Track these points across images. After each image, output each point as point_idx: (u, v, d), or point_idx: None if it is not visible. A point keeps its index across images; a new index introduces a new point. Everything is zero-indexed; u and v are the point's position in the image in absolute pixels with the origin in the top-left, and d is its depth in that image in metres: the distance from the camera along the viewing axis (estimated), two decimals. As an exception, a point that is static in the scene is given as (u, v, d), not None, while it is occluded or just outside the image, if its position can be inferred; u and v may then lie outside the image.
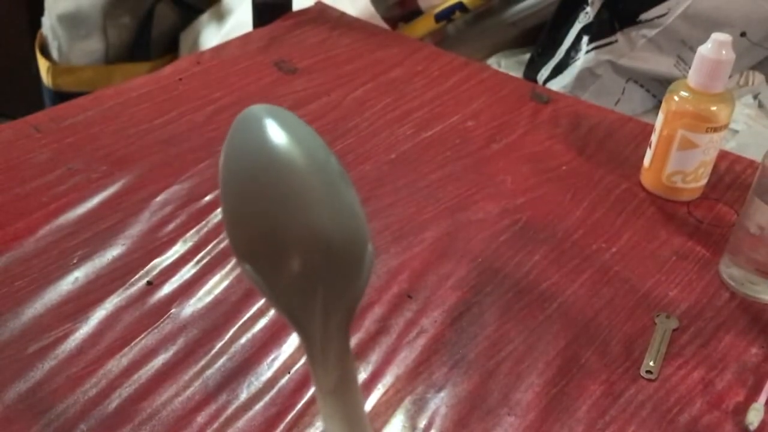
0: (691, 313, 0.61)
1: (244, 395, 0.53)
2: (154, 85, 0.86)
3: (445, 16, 1.16)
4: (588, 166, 0.78)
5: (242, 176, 0.24)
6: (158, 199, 0.69)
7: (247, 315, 0.59)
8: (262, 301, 0.60)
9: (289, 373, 0.54)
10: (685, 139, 0.69)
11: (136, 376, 0.53)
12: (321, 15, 1.04)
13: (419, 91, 0.88)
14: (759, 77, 1.06)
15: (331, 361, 0.22)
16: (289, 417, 0.51)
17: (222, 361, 0.55)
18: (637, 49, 1.03)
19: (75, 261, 0.62)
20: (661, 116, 0.71)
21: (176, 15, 1.44)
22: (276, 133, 0.23)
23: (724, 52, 0.66)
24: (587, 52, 1.04)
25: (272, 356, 0.56)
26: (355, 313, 0.24)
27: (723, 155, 0.79)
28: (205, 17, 1.40)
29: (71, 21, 1.39)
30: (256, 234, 0.23)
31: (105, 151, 0.75)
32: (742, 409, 0.54)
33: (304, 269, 0.22)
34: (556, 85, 1.07)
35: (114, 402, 0.51)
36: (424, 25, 1.17)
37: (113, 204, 0.68)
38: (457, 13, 1.15)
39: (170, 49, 1.46)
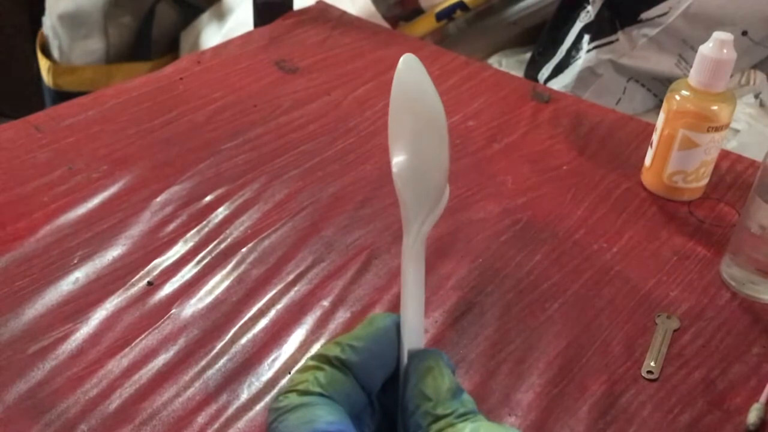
0: (692, 313, 0.61)
1: (244, 395, 0.53)
2: (154, 84, 0.86)
3: (446, 15, 1.16)
4: (589, 166, 0.78)
5: (403, 109, 0.37)
6: (159, 199, 0.69)
7: (248, 315, 0.59)
8: (263, 301, 0.60)
9: (289, 373, 0.54)
10: (686, 139, 0.69)
11: (136, 377, 0.53)
12: (322, 14, 1.04)
13: (420, 91, 0.87)
14: (760, 76, 1.06)
15: (416, 245, 0.36)
16: (290, 417, 0.51)
17: (222, 362, 0.55)
18: (638, 48, 1.03)
19: (75, 261, 0.62)
20: (662, 116, 0.71)
21: (177, 14, 1.44)
22: (424, 95, 0.37)
23: (725, 51, 0.66)
24: (588, 51, 1.04)
25: (273, 356, 0.56)
26: (431, 226, 0.37)
27: (724, 155, 0.79)
28: (205, 17, 1.40)
29: (72, 21, 1.39)
30: (404, 153, 0.36)
31: (105, 150, 0.75)
32: (743, 409, 0.54)
33: (424, 189, 0.37)
34: (557, 84, 1.07)
35: (114, 402, 0.51)
36: (425, 24, 1.17)
37: (114, 204, 0.68)
38: (458, 12, 1.15)
39: (171, 48, 1.46)
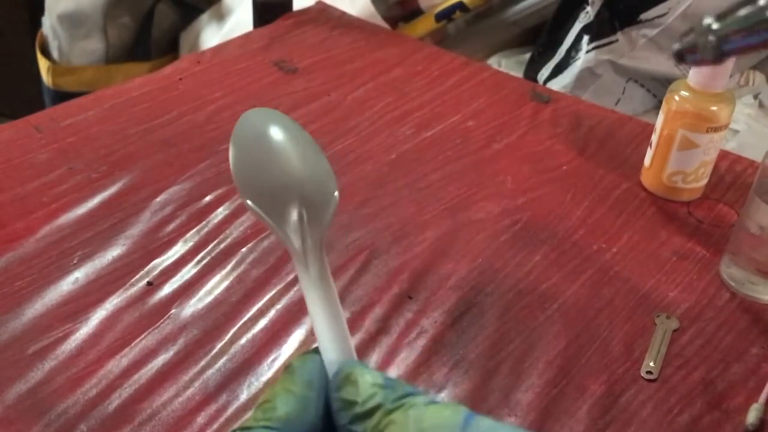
0: (691, 313, 0.61)
1: (244, 396, 0.53)
2: (154, 85, 0.86)
3: (446, 15, 1.16)
4: (588, 166, 0.78)
5: (246, 144, 0.37)
6: (158, 199, 0.69)
7: (248, 315, 0.59)
8: (263, 301, 0.60)
9: (289, 373, 0.54)
10: (685, 139, 0.69)
11: (136, 377, 0.53)
12: (321, 14, 1.04)
13: (419, 91, 0.87)
14: (759, 77, 1.06)
15: (310, 265, 0.33)
16: (290, 417, 0.51)
17: (222, 362, 0.55)
18: (638, 48, 1.03)
19: (75, 261, 0.62)
20: (661, 116, 0.71)
21: (176, 15, 1.44)
22: (267, 122, 0.37)
23: (724, 52, 0.66)
24: (588, 51, 1.04)
25: (272, 356, 0.56)
26: (324, 235, 0.35)
27: (723, 155, 0.79)
28: (205, 17, 1.40)
29: (72, 21, 1.39)
30: (255, 180, 0.36)
31: (105, 151, 0.75)
32: (742, 409, 0.54)
33: (288, 203, 0.35)
34: (557, 84, 1.07)
35: (114, 402, 0.51)
36: (425, 24, 1.17)
37: (113, 204, 0.68)
38: (458, 13, 1.15)
39: (170, 48, 1.46)
